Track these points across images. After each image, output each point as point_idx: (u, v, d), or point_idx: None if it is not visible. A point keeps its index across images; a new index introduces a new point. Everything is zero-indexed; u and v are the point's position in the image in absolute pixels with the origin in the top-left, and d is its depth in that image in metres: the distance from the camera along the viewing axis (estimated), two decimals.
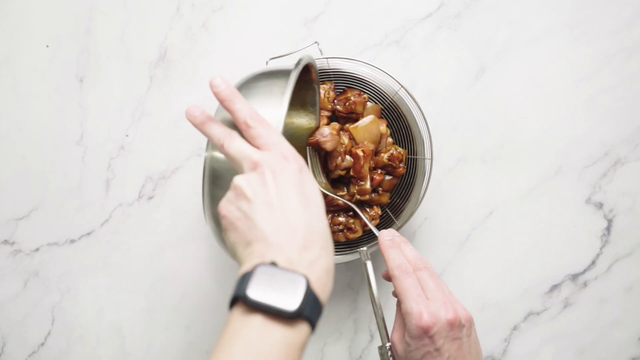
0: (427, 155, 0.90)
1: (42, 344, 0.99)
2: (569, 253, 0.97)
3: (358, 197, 0.91)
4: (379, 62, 0.98)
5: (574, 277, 0.97)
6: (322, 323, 0.97)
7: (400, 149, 0.92)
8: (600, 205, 0.97)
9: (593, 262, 0.97)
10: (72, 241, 0.99)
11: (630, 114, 0.97)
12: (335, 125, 0.91)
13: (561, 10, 0.98)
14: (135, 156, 0.99)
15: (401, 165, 0.92)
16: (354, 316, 0.97)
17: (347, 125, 0.92)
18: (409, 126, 0.91)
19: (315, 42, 0.93)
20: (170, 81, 0.99)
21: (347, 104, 0.91)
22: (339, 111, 0.92)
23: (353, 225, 0.91)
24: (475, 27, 0.98)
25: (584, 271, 0.97)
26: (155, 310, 0.99)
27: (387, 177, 0.92)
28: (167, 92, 0.99)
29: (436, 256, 0.97)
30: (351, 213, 0.92)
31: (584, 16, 0.98)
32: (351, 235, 0.91)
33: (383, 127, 0.92)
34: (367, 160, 0.89)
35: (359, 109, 0.92)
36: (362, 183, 0.90)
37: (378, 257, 0.96)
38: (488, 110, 0.98)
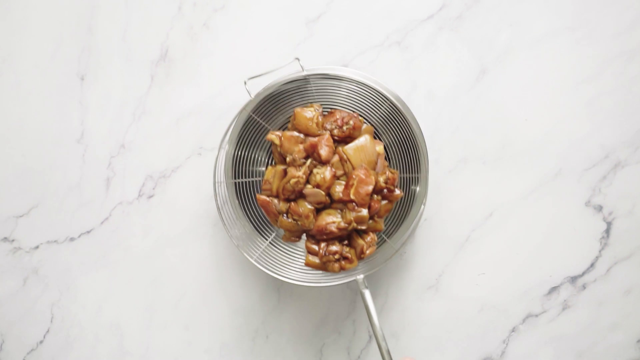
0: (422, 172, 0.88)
1: (41, 342, 0.99)
2: (568, 255, 0.97)
3: (355, 225, 0.84)
4: (380, 63, 0.98)
5: (573, 279, 0.97)
6: (321, 323, 0.98)
7: (394, 171, 0.87)
8: (599, 208, 0.97)
9: (592, 265, 0.97)
10: (72, 239, 0.99)
11: (631, 117, 0.97)
12: (330, 139, 0.86)
13: (563, 12, 0.98)
14: (136, 155, 0.99)
15: (397, 189, 0.87)
16: (353, 317, 0.97)
17: (341, 147, 0.86)
18: (402, 142, 0.89)
19: (296, 59, 0.87)
20: (171, 80, 0.99)
21: (344, 128, 0.85)
22: (334, 135, 0.86)
23: (349, 255, 0.86)
24: (476, 28, 0.98)
25: (583, 274, 0.97)
26: (155, 309, 0.99)
27: (382, 202, 0.87)
28: (168, 91, 0.99)
29: (435, 257, 0.98)
30: (345, 242, 0.87)
31: (586, 19, 0.98)
32: (348, 266, 0.86)
33: (380, 148, 0.87)
34: (368, 184, 0.84)
35: (357, 133, 0.87)
36: (360, 210, 0.84)
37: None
38: (489, 112, 0.98)
